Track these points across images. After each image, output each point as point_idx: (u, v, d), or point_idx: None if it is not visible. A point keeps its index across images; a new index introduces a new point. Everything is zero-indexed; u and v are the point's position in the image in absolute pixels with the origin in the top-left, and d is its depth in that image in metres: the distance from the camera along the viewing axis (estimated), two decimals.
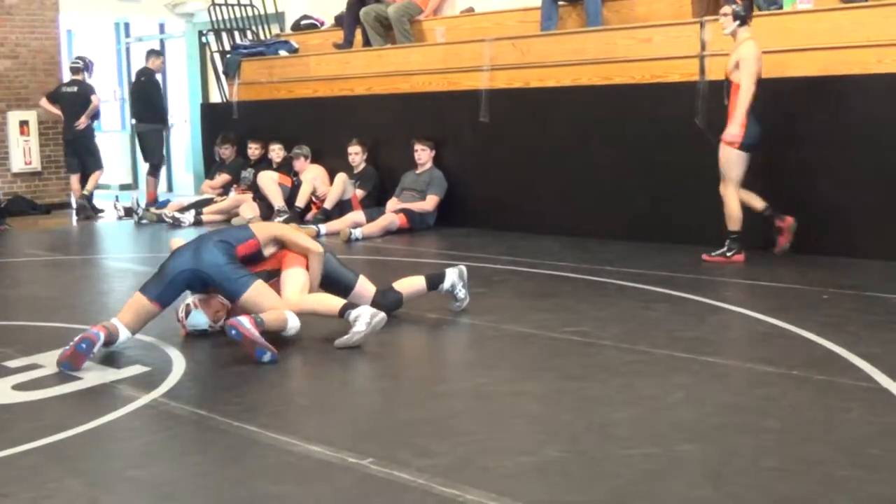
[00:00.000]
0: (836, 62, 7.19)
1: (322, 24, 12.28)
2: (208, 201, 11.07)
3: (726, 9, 7.00)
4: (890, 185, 6.97)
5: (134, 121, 13.18)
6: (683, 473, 3.23)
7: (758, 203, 7.21)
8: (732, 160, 7.03)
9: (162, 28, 16.07)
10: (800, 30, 7.45)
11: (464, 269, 5.83)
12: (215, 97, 13.39)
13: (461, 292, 5.75)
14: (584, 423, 3.80)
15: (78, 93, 11.86)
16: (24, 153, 12.58)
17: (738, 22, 6.95)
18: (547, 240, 8.43)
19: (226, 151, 11.59)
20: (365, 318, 4.97)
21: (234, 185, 11.28)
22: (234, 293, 5.05)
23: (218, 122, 12.20)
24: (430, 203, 9.53)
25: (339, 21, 11.52)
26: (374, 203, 9.90)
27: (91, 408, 4.11)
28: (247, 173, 11.17)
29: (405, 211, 9.47)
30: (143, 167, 15.73)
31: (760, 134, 7.00)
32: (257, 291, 5.03)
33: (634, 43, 8.35)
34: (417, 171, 9.70)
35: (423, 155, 9.62)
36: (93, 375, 4.56)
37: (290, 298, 5.15)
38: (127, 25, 16.49)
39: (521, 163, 9.06)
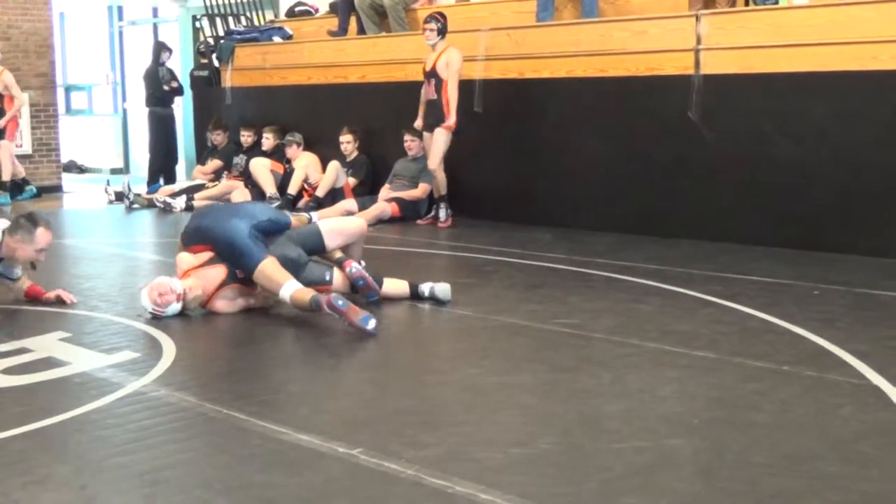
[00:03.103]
0: (832, 58, 7.19)
1: (316, 10, 12.24)
2: (200, 187, 11.03)
3: (432, 24, 8.76)
4: (885, 181, 6.98)
5: None
6: (673, 467, 3.23)
7: (443, 189, 9.03)
8: (445, 142, 8.79)
9: (155, 12, 15.99)
10: (795, 25, 7.44)
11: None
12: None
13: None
14: (574, 415, 3.79)
15: (209, 77, 12.36)
16: (16, 136, 12.50)
17: (440, 36, 8.77)
18: (539, 231, 8.42)
19: (217, 137, 11.55)
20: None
21: (226, 171, 11.25)
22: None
23: (211, 107, 12.16)
24: (421, 191, 9.52)
25: (334, 8, 11.48)
26: (367, 191, 9.89)
27: (80, 393, 4.09)
28: (239, 159, 11.14)
29: (397, 200, 9.47)
30: (136, 151, 15.77)
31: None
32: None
33: (630, 35, 8.33)
34: (409, 159, 9.69)
35: (413, 145, 9.61)
36: (82, 361, 4.54)
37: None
38: (120, 9, 16.41)
39: (514, 153, 9.04)
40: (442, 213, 9.08)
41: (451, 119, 8.70)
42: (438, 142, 8.82)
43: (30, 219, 5.53)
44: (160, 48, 13.03)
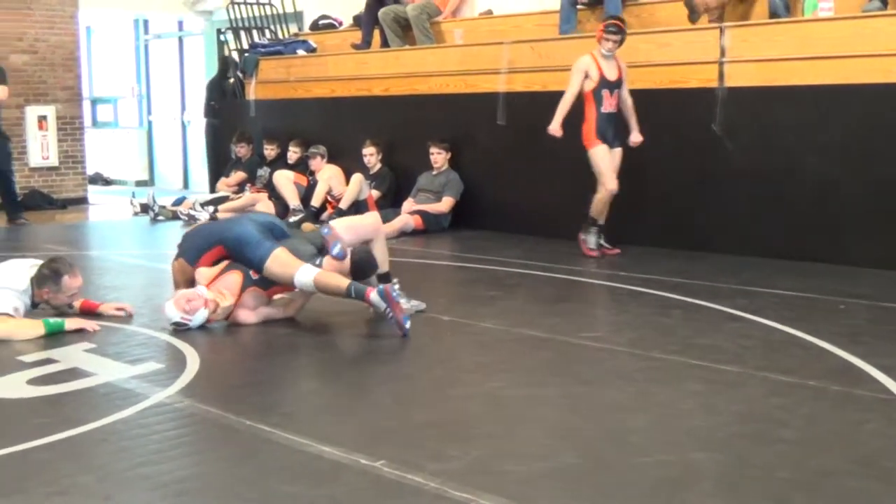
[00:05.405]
0: (856, 71, 7.15)
1: (340, 24, 12.29)
2: (224, 199, 11.08)
3: (617, 37, 7.72)
4: None
5: None
6: (697, 482, 3.21)
7: None
8: None
9: (181, 25, 16.10)
10: (819, 38, 7.40)
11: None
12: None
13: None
14: (598, 429, 3.78)
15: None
16: (42, 148, 12.63)
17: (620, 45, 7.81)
18: (562, 243, 8.40)
19: (242, 149, 11.61)
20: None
21: (249, 184, 11.30)
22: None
23: (235, 120, 12.24)
24: (445, 205, 9.53)
25: (358, 21, 11.53)
26: (390, 204, 9.90)
27: (104, 404, 4.11)
28: (263, 172, 11.19)
29: (420, 212, 9.48)
30: (161, 164, 15.90)
31: None
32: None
33: (654, 48, 8.32)
34: (433, 173, 9.70)
35: (439, 158, 9.63)
36: (107, 372, 4.56)
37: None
38: (146, 22, 16.53)
39: (537, 166, 9.04)
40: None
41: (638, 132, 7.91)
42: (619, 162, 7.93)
43: (53, 269, 5.51)
44: (228, 63, 13.05)
